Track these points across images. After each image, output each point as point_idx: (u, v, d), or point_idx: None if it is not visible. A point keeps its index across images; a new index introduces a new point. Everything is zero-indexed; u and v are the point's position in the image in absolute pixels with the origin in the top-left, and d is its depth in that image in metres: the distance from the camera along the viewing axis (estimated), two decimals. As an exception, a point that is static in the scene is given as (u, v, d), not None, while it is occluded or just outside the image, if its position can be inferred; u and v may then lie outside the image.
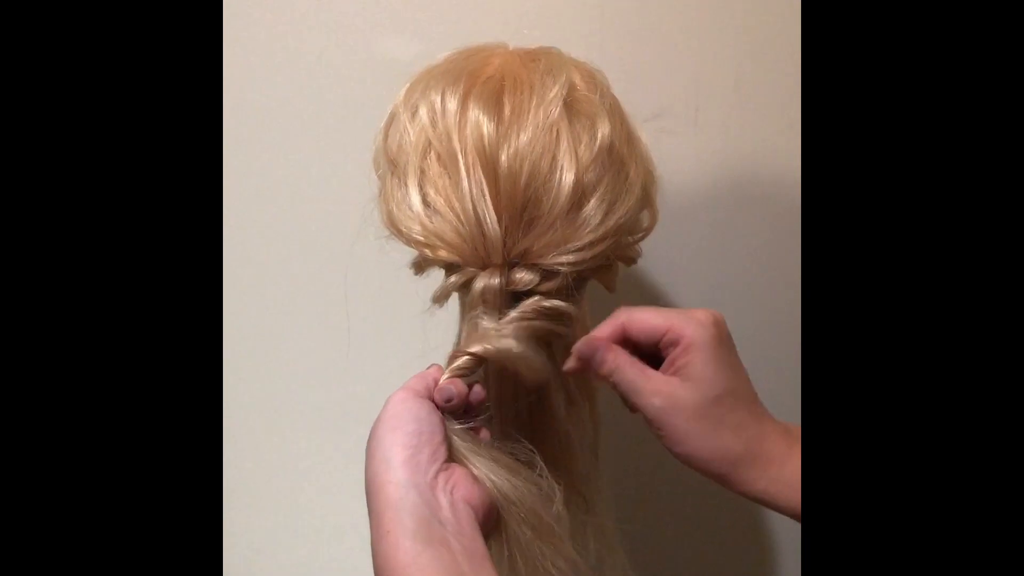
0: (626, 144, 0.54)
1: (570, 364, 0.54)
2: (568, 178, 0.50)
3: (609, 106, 0.54)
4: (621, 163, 0.53)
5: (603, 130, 0.52)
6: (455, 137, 0.51)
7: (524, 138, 0.50)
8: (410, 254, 0.55)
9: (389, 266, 0.56)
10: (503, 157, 0.50)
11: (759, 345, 0.80)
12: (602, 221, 0.51)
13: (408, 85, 0.56)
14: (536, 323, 0.51)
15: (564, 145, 0.50)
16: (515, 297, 0.52)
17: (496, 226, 0.50)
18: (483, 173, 0.50)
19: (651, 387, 0.51)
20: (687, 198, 0.78)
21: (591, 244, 0.51)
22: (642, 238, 0.57)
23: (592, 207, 0.51)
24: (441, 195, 0.51)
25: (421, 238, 0.51)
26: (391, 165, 0.54)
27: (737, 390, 0.52)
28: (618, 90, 0.57)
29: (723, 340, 0.52)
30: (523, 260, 0.51)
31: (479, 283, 0.51)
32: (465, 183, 0.50)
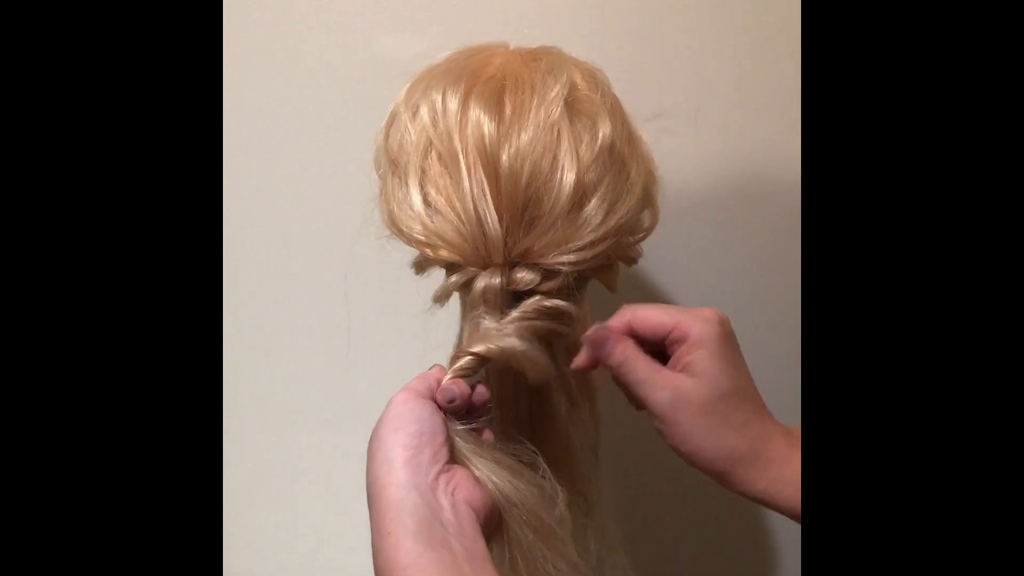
0: (627, 144, 0.54)
1: (579, 360, 0.54)
2: (569, 178, 0.50)
3: (610, 106, 0.54)
4: (622, 163, 0.53)
5: (604, 130, 0.52)
6: (456, 137, 0.51)
7: (525, 138, 0.50)
8: (411, 254, 0.55)
9: (390, 266, 0.56)
10: (504, 157, 0.50)
11: (760, 345, 0.80)
12: (603, 221, 0.51)
13: (409, 85, 0.56)
14: (538, 323, 0.51)
15: (565, 145, 0.50)
16: (516, 297, 0.52)
17: (497, 226, 0.50)
18: (484, 173, 0.50)
19: (660, 380, 0.51)
20: (688, 198, 0.78)
21: (592, 244, 0.51)
22: (643, 238, 0.57)
23: (593, 207, 0.51)
24: (442, 195, 0.51)
25: (422, 238, 0.51)
26: (392, 165, 0.54)
27: (743, 389, 0.52)
28: (619, 89, 0.57)
29: (728, 339, 0.53)
30: (524, 260, 0.51)
31: (480, 283, 0.51)
32: (466, 183, 0.50)
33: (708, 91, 0.76)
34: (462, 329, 0.55)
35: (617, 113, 0.54)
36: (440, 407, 0.49)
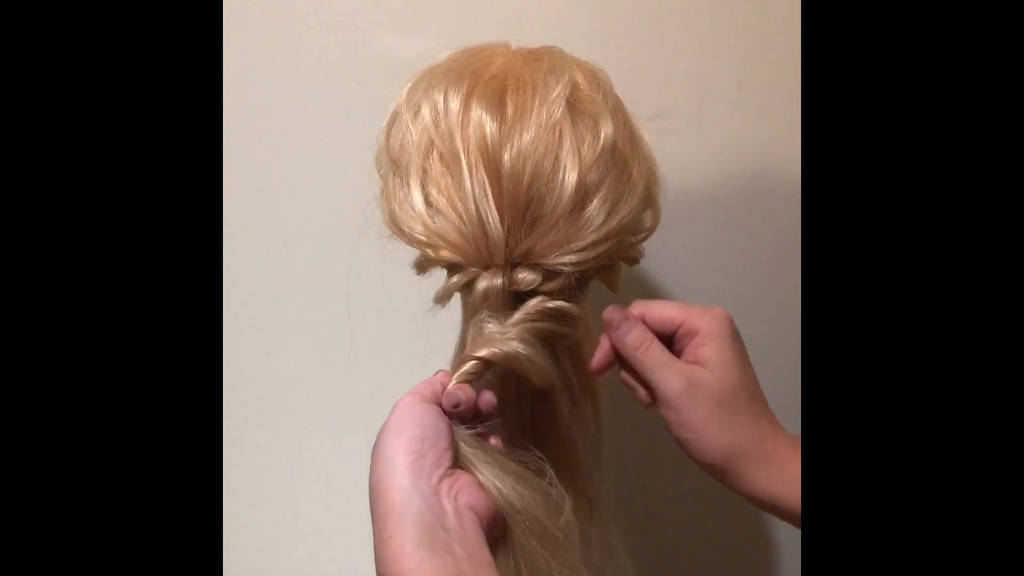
0: (629, 144, 0.54)
1: (596, 360, 0.55)
2: (571, 178, 0.50)
3: (612, 106, 0.54)
4: (624, 163, 0.53)
5: (606, 130, 0.52)
6: (458, 137, 0.51)
7: (527, 138, 0.50)
8: (412, 254, 0.55)
9: (391, 266, 0.56)
10: (506, 157, 0.50)
11: (760, 345, 0.80)
12: (605, 221, 0.51)
13: (410, 84, 0.56)
14: (540, 324, 0.51)
15: (567, 145, 0.50)
16: (517, 297, 0.51)
17: (499, 226, 0.50)
18: (486, 173, 0.50)
19: (675, 366, 0.52)
20: (689, 197, 0.78)
21: (594, 244, 0.51)
22: (645, 238, 0.57)
23: (595, 207, 0.51)
24: (443, 195, 0.51)
25: (423, 238, 0.51)
26: (393, 165, 0.54)
27: (751, 385, 0.53)
28: (620, 89, 0.57)
29: (737, 336, 0.54)
30: (525, 260, 0.51)
31: (482, 283, 0.51)
32: (468, 183, 0.50)
33: (709, 91, 0.76)
34: (464, 331, 0.55)
35: (619, 113, 0.54)
36: (445, 412, 0.49)
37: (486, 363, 0.50)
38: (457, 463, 0.48)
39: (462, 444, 0.49)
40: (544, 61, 0.54)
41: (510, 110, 0.51)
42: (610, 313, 0.54)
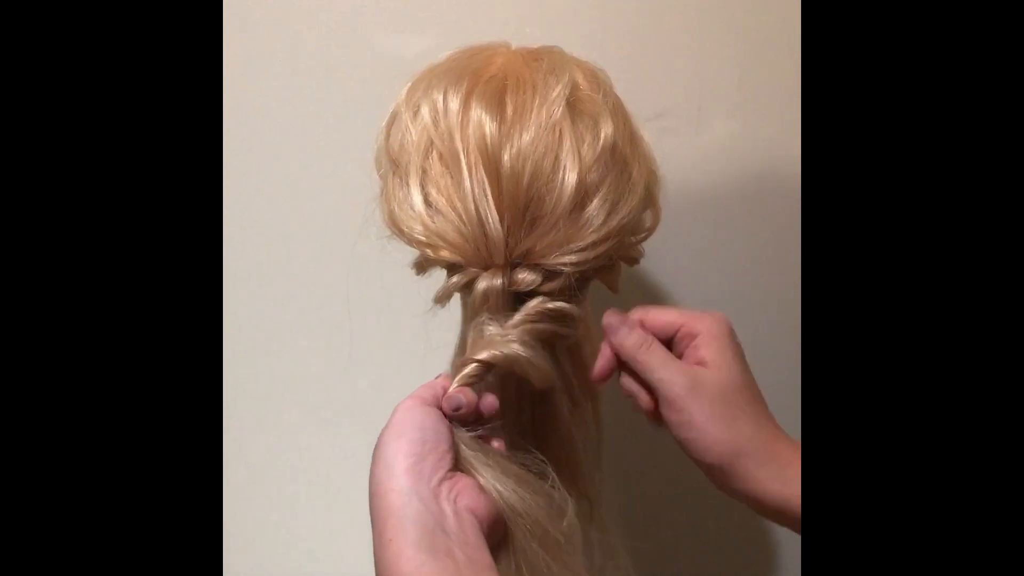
0: (629, 144, 0.54)
1: (598, 367, 0.55)
2: (571, 178, 0.50)
3: (612, 106, 0.54)
4: (624, 163, 0.53)
5: (606, 130, 0.52)
6: (457, 136, 0.51)
7: (527, 138, 0.50)
8: (412, 254, 0.55)
9: (391, 266, 0.56)
10: (505, 157, 0.50)
11: (760, 345, 0.80)
12: (605, 221, 0.51)
13: (410, 84, 0.56)
14: (541, 326, 0.51)
15: (567, 145, 0.50)
16: (517, 298, 0.51)
17: (498, 226, 0.50)
18: (485, 173, 0.50)
19: (677, 365, 0.52)
20: (689, 197, 0.78)
21: (594, 244, 0.51)
22: (645, 238, 0.57)
23: (595, 207, 0.51)
24: (443, 195, 0.51)
25: (423, 238, 0.51)
26: (393, 165, 0.54)
27: (752, 386, 0.53)
28: (620, 89, 0.57)
29: (735, 339, 0.54)
30: (525, 260, 0.51)
31: (481, 284, 0.50)
32: (467, 183, 0.50)
33: (709, 91, 0.76)
34: (464, 332, 0.54)
35: (619, 113, 0.54)
36: (446, 415, 0.49)
37: (487, 366, 0.50)
38: (458, 466, 0.48)
39: (463, 447, 0.49)
40: (544, 61, 0.54)
41: (510, 110, 0.51)
42: (609, 317, 0.54)
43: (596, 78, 0.55)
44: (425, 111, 0.52)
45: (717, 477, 0.52)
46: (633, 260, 0.57)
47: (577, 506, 0.52)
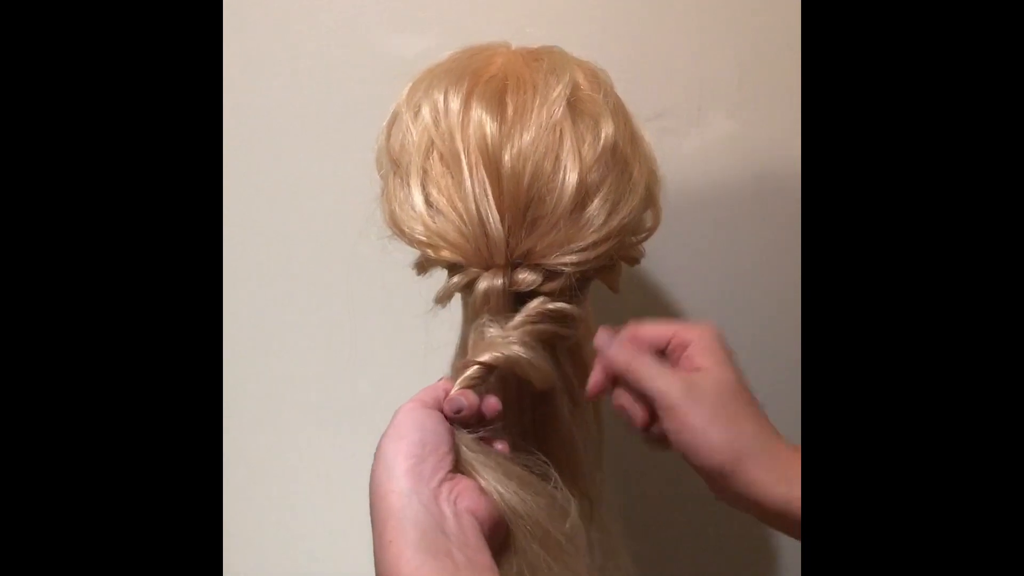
0: (629, 144, 0.54)
1: (592, 382, 0.54)
2: (571, 178, 0.50)
3: (612, 105, 0.54)
4: (625, 163, 0.53)
5: (607, 130, 0.52)
6: (458, 137, 0.51)
7: (527, 138, 0.50)
8: (413, 254, 0.55)
9: (392, 266, 0.56)
10: (506, 157, 0.50)
11: (761, 345, 0.80)
12: (605, 221, 0.51)
13: (411, 84, 0.56)
14: (542, 326, 0.51)
15: (567, 145, 0.50)
16: (518, 298, 0.51)
17: (499, 226, 0.50)
18: (486, 173, 0.50)
19: (671, 373, 0.52)
20: (690, 197, 0.78)
21: (595, 244, 0.51)
22: (645, 238, 0.57)
23: (595, 207, 0.51)
24: (444, 195, 0.51)
25: (424, 238, 0.51)
26: (394, 165, 0.54)
27: (748, 391, 0.53)
28: (621, 89, 0.57)
29: (727, 346, 0.54)
30: (526, 260, 0.51)
31: (482, 284, 0.50)
32: (468, 183, 0.50)
33: (710, 91, 0.76)
34: (465, 333, 0.54)
35: (619, 113, 0.54)
36: (447, 418, 0.49)
37: (488, 368, 0.50)
38: (459, 468, 0.48)
39: (464, 449, 0.48)
40: (544, 61, 0.54)
41: (510, 110, 0.51)
42: (600, 337, 0.54)
43: (597, 78, 0.55)
44: (426, 111, 0.52)
45: (720, 482, 0.51)
46: (634, 260, 0.57)
47: (579, 507, 0.52)
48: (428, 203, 0.52)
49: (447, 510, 0.45)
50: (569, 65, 0.54)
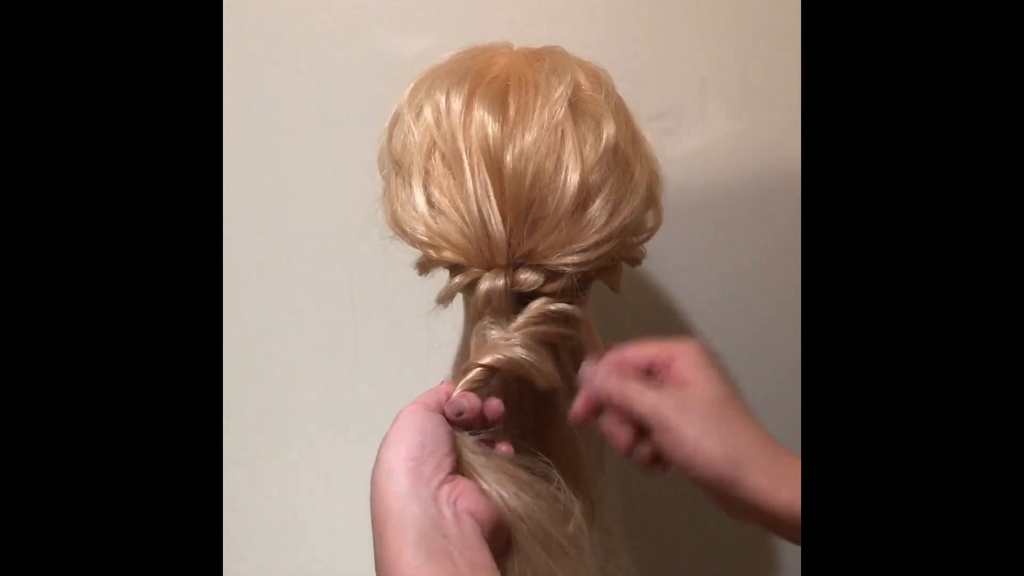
0: (631, 144, 0.54)
1: (577, 407, 0.53)
2: (573, 178, 0.50)
3: (614, 106, 0.54)
4: (626, 163, 0.53)
5: (608, 130, 0.52)
6: (460, 137, 0.51)
7: (529, 138, 0.50)
8: (415, 255, 0.55)
9: (393, 267, 0.56)
10: (508, 157, 0.50)
11: (761, 345, 0.80)
12: (607, 222, 0.51)
13: (412, 85, 0.56)
14: (543, 328, 0.51)
15: (569, 145, 0.50)
16: (520, 299, 0.51)
17: (501, 226, 0.50)
18: (488, 173, 0.50)
19: (661, 392, 0.51)
20: (691, 198, 0.78)
21: (596, 245, 0.51)
22: (647, 238, 0.57)
23: (597, 208, 0.51)
24: (446, 195, 0.51)
25: (425, 239, 0.51)
26: (395, 165, 0.54)
27: (739, 400, 0.51)
28: (622, 89, 0.57)
29: (713, 358, 0.53)
30: (528, 261, 0.51)
31: (484, 284, 0.51)
32: (470, 183, 0.50)
33: (711, 91, 0.76)
34: (467, 334, 0.54)
35: (621, 113, 0.54)
36: (449, 420, 0.49)
37: (491, 370, 0.50)
38: (460, 470, 0.48)
39: (466, 451, 0.48)
40: (546, 61, 0.54)
41: (512, 111, 0.51)
42: (585, 369, 0.53)
43: (598, 78, 0.55)
44: (428, 112, 0.52)
45: (722, 493, 0.50)
46: (635, 261, 0.57)
47: (581, 508, 0.51)
48: (430, 203, 0.52)
49: (446, 511, 0.45)
50: (571, 65, 0.54)
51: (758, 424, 0.51)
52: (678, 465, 0.50)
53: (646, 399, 0.51)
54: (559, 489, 0.50)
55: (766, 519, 0.49)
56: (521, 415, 0.54)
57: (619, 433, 0.53)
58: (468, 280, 0.51)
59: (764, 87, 0.76)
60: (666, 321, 0.81)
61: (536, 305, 0.51)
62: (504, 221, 0.50)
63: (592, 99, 0.53)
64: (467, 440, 0.49)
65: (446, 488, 0.46)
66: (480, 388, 0.50)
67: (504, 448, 0.51)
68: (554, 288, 0.51)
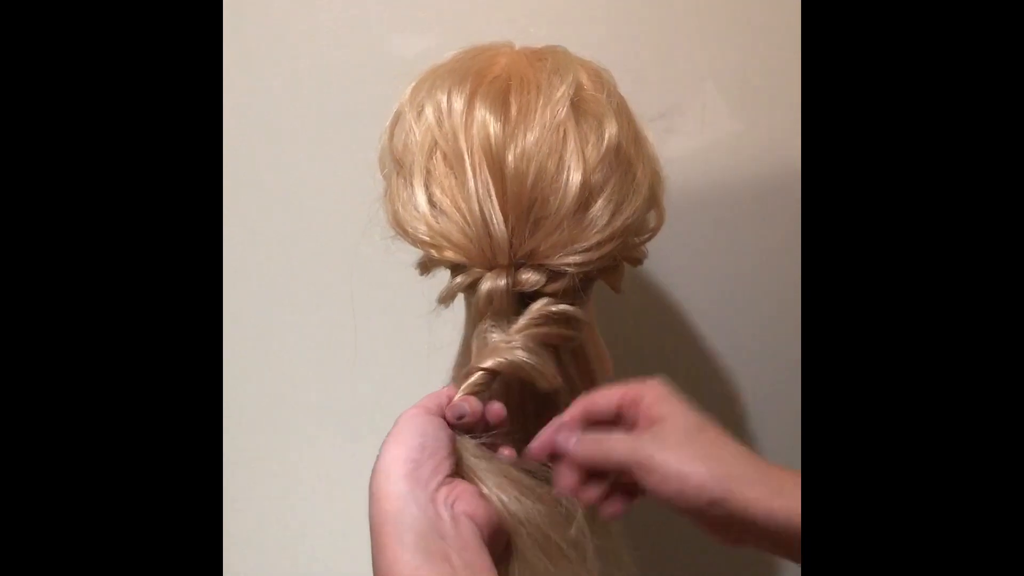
0: (633, 144, 0.54)
1: (566, 481, 0.51)
2: (575, 178, 0.50)
3: (616, 106, 0.54)
4: (628, 163, 0.53)
5: (610, 130, 0.52)
6: (461, 137, 0.51)
7: (531, 138, 0.50)
8: (416, 254, 0.55)
9: (395, 266, 0.56)
10: (510, 157, 0.50)
11: (761, 345, 0.80)
12: (609, 222, 0.51)
13: (414, 84, 0.56)
14: (545, 329, 0.51)
15: (571, 145, 0.50)
16: (521, 299, 0.51)
17: (502, 226, 0.50)
18: (489, 173, 0.50)
19: (635, 435, 0.50)
20: (692, 197, 0.77)
21: (598, 245, 0.51)
22: (649, 238, 0.57)
23: (599, 208, 0.51)
24: (447, 195, 0.51)
25: (427, 238, 0.51)
26: (397, 165, 0.54)
27: (715, 426, 0.50)
28: (624, 89, 0.57)
29: (680, 397, 0.51)
30: (529, 261, 0.51)
31: (485, 284, 0.50)
32: (471, 183, 0.50)
33: (713, 91, 0.76)
34: (468, 335, 0.54)
35: (623, 113, 0.54)
36: (450, 424, 0.49)
37: (492, 373, 0.50)
38: (460, 474, 0.48)
39: (467, 454, 0.48)
40: (548, 61, 0.54)
41: (514, 110, 0.51)
42: (561, 441, 0.51)
43: (600, 78, 0.55)
44: (429, 111, 0.52)
45: (717, 515, 0.48)
46: (637, 261, 0.57)
47: (583, 511, 0.51)
48: (431, 203, 0.52)
49: (444, 513, 0.45)
50: (573, 65, 0.54)
51: (740, 445, 0.50)
52: (670, 499, 0.48)
53: (623, 445, 0.50)
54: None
55: (765, 533, 0.48)
56: (523, 417, 0.54)
57: (581, 489, 0.51)
58: (470, 280, 0.51)
59: (764, 87, 0.76)
60: (666, 321, 0.81)
61: (538, 306, 0.51)
62: (506, 221, 0.50)
63: (594, 99, 0.53)
64: (468, 444, 0.49)
65: (444, 490, 0.46)
66: (482, 391, 0.50)
67: (507, 452, 0.51)
68: (556, 288, 0.51)
